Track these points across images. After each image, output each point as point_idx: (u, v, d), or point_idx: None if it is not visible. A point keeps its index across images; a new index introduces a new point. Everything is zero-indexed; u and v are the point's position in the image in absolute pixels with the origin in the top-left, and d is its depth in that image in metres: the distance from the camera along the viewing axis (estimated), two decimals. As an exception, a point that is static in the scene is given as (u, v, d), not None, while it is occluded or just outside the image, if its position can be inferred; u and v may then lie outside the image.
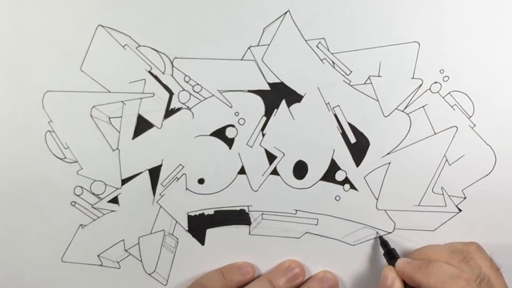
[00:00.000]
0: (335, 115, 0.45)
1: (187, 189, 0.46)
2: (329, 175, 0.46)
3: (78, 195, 0.45)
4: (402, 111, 0.44)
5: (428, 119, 0.45)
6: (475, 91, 0.44)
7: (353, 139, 0.45)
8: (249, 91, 0.44)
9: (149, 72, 0.43)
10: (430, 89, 0.44)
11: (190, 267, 0.48)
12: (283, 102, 0.44)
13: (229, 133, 0.45)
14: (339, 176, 0.46)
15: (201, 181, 0.46)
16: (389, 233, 0.47)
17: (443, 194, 0.47)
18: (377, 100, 0.44)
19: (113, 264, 0.47)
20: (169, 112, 0.44)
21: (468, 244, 0.45)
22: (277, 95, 0.44)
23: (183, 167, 0.45)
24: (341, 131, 0.45)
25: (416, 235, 0.47)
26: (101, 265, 0.47)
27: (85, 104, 0.44)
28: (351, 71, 0.44)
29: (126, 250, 0.47)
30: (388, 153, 0.46)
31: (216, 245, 0.47)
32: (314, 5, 0.42)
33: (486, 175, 0.46)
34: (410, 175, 0.46)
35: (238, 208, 0.47)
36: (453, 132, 0.45)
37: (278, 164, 0.46)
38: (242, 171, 0.46)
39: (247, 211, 0.47)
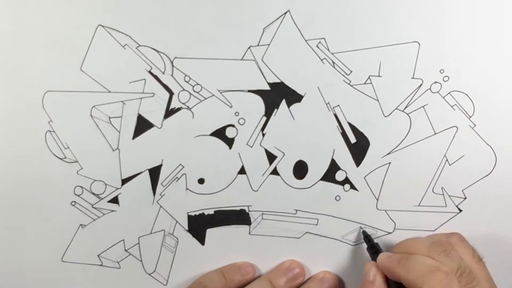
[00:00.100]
0: (335, 115, 0.45)
1: (187, 189, 0.46)
2: (329, 175, 0.46)
3: (78, 195, 0.45)
4: (402, 111, 0.44)
5: (428, 119, 0.45)
6: (475, 91, 0.44)
7: (353, 139, 0.45)
8: (249, 91, 0.44)
9: (149, 72, 0.43)
10: (430, 89, 0.44)
11: (190, 267, 0.48)
12: (283, 102, 0.44)
13: (229, 133, 0.45)
14: (339, 176, 0.46)
15: (201, 181, 0.46)
16: (389, 233, 0.47)
17: (443, 194, 0.46)
18: (377, 100, 0.44)
19: (113, 264, 0.47)
20: (169, 112, 0.44)
21: (450, 235, 0.45)
22: (277, 95, 0.44)
23: (183, 167, 0.45)
24: (341, 131, 0.45)
25: (416, 235, 0.47)
26: (101, 265, 0.47)
27: (85, 104, 0.44)
28: (351, 71, 0.44)
29: (126, 250, 0.47)
30: (388, 153, 0.46)
31: (216, 245, 0.47)
32: (314, 5, 0.42)
33: (487, 175, 0.46)
34: (410, 175, 0.46)
35: (238, 208, 0.47)
36: (453, 132, 0.45)
37: (278, 164, 0.46)
38: (242, 171, 0.46)
39: (247, 211, 0.47)
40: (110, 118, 0.44)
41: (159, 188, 0.46)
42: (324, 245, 0.48)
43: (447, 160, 0.46)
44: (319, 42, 0.43)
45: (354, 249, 0.48)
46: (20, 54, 0.43)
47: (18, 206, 0.46)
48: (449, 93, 0.44)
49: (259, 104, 0.44)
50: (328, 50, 0.43)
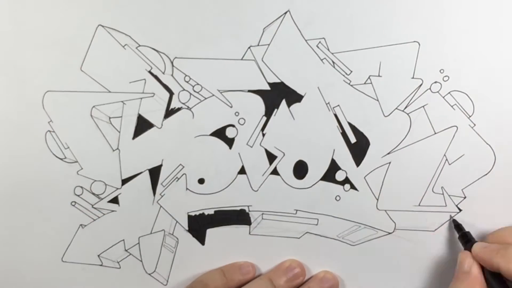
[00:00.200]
0: (335, 115, 0.45)
1: (187, 189, 0.46)
2: (329, 175, 0.46)
3: (78, 195, 0.45)
4: (402, 111, 0.45)
5: (428, 118, 0.45)
6: (475, 90, 0.44)
7: (353, 139, 0.45)
8: (249, 91, 0.44)
9: (149, 72, 0.43)
10: (430, 89, 0.44)
11: (190, 267, 0.48)
12: (283, 102, 0.44)
13: (229, 133, 0.45)
14: (339, 176, 0.46)
15: (201, 181, 0.46)
16: (390, 233, 0.47)
17: (443, 193, 0.47)
18: (377, 100, 0.44)
19: (113, 264, 0.47)
20: (169, 112, 0.44)
21: None
22: (277, 95, 0.44)
23: (183, 167, 0.45)
24: (341, 131, 0.45)
25: (416, 235, 0.47)
26: (101, 265, 0.47)
27: (85, 104, 0.44)
28: (351, 71, 0.44)
29: (126, 250, 0.47)
30: (388, 153, 0.46)
31: (216, 245, 0.47)
32: (314, 5, 0.42)
33: (486, 174, 0.46)
34: (410, 175, 0.46)
35: (238, 208, 0.47)
36: (453, 131, 0.45)
37: (278, 164, 0.46)
38: (242, 171, 0.46)
39: (247, 211, 0.47)
40: (110, 118, 0.44)
41: (159, 188, 0.46)
42: (324, 245, 0.48)
43: (447, 159, 0.46)
44: (319, 42, 0.43)
45: (354, 249, 0.48)
46: (20, 54, 0.43)
47: (18, 206, 0.46)
48: (449, 93, 0.44)
49: (259, 104, 0.44)
50: (328, 50, 0.43)
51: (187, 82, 0.44)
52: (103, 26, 0.42)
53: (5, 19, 0.42)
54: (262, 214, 0.47)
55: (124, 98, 0.44)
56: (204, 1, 0.42)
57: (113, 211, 0.46)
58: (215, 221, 0.47)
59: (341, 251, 0.48)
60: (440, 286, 0.48)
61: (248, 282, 0.46)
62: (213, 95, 0.44)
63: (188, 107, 0.44)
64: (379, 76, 0.44)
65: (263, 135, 0.45)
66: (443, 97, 0.44)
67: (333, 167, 0.46)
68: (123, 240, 0.47)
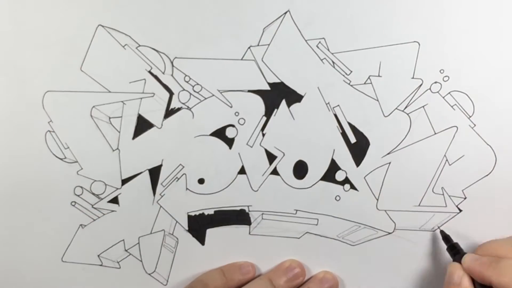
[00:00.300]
0: (335, 115, 0.45)
1: (187, 189, 0.46)
2: (329, 175, 0.46)
3: (78, 195, 0.45)
4: (402, 111, 0.44)
5: (428, 119, 0.45)
6: (475, 91, 0.44)
7: (353, 139, 0.45)
8: (249, 91, 0.44)
9: (149, 72, 0.43)
10: (430, 89, 0.44)
11: (190, 267, 0.48)
12: (283, 102, 0.44)
13: (229, 133, 0.45)
14: (339, 176, 0.46)
15: (201, 181, 0.46)
16: (389, 233, 0.47)
17: (443, 194, 0.46)
18: (377, 100, 0.44)
19: (113, 264, 0.47)
20: (169, 112, 0.44)
21: None
22: (277, 95, 0.44)
23: (183, 167, 0.45)
24: (341, 131, 0.45)
25: (416, 235, 0.47)
26: (101, 265, 0.47)
27: (85, 104, 0.44)
28: (351, 71, 0.44)
29: (126, 250, 0.47)
30: (388, 153, 0.46)
31: (216, 245, 0.47)
32: (314, 5, 0.42)
33: (486, 175, 0.46)
34: (410, 175, 0.46)
35: (238, 208, 0.47)
36: (453, 132, 0.45)
37: (278, 164, 0.46)
38: (242, 171, 0.46)
39: (247, 211, 0.47)
40: (110, 118, 0.44)
41: (159, 188, 0.46)
42: (324, 245, 0.48)
43: (447, 160, 0.46)
44: (319, 42, 0.43)
45: (354, 249, 0.48)
46: (20, 54, 0.43)
47: (18, 206, 0.46)
48: (449, 93, 0.44)
49: (259, 104, 0.44)
50: (328, 50, 0.43)
51: (187, 82, 0.44)
52: (103, 26, 0.42)
53: (5, 19, 0.42)
54: (262, 214, 0.47)
55: (124, 98, 0.44)
56: (204, 1, 0.42)
57: (113, 211, 0.46)
58: (215, 221, 0.47)
59: (341, 251, 0.48)
60: (440, 286, 0.48)
61: (248, 282, 0.46)
62: (213, 95, 0.44)
63: (188, 107, 0.44)
64: (379, 76, 0.44)
65: (263, 135, 0.45)
66: (443, 97, 0.44)
67: (333, 167, 0.46)
68: (123, 240, 0.47)
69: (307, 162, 0.46)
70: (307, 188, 0.46)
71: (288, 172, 0.46)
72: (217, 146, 0.45)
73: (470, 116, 0.45)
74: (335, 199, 0.46)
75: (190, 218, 0.47)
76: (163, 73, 0.43)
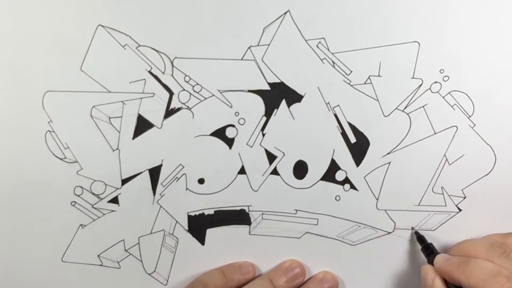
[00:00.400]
0: (335, 115, 0.45)
1: (187, 189, 0.46)
2: (329, 175, 0.46)
3: (78, 195, 0.45)
4: (402, 111, 0.45)
5: (428, 118, 0.45)
6: (475, 90, 0.44)
7: (353, 139, 0.45)
8: (249, 91, 0.44)
9: (149, 72, 0.43)
10: (430, 89, 0.44)
11: (190, 267, 0.48)
12: (283, 102, 0.44)
13: (229, 133, 0.45)
14: (339, 176, 0.46)
15: (201, 181, 0.46)
16: (389, 233, 0.47)
17: (443, 193, 0.47)
18: (377, 100, 0.44)
19: (113, 264, 0.47)
20: (169, 112, 0.44)
21: (506, 236, 0.44)
22: (277, 95, 0.44)
23: (183, 167, 0.45)
24: (341, 131, 0.45)
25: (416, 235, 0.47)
26: (101, 265, 0.47)
27: (85, 104, 0.44)
28: (351, 71, 0.44)
29: (126, 250, 0.47)
30: (388, 153, 0.46)
31: (216, 245, 0.47)
32: (314, 5, 0.42)
33: (486, 175, 0.46)
34: (410, 175, 0.46)
35: (238, 208, 0.47)
36: (453, 131, 0.45)
37: (278, 164, 0.46)
38: (242, 171, 0.46)
39: (247, 211, 0.47)
40: (110, 118, 0.44)
41: (159, 188, 0.46)
42: (324, 245, 0.48)
43: (447, 159, 0.46)
44: (319, 42, 0.43)
45: (354, 249, 0.48)
46: (20, 54, 0.42)
47: (18, 206, 0.46)
48: (449, 93, 0.44)
49: (259, 104, 0.44)
50: (328, 50, 0.43)
51: (187, 82, 0.44)
52: (103, 26, 0.42)
53: (6, 19, 0.42)
54: (262, 214, 0.47)
55: (124, 98, 0.44)
56: (204, 1, 0.42)
57: (113, 211, 0.46)
58: (215, 221, 0.47)
59: (341, 251, 0.48)
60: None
61: (248, 282, 0.46)
62: (213, 95, 0.44)
63: (188, 107, 0.44)
64: (379, 76, 0.44)
65: (263, 135, 0.45)
66: (443, 97, 0.44)
67: (333, 167, 0.46)
68: (123, 240, 0.47)
69: (307, 162, 0.46)
70: (307, 188, 0.46)
71: (288, 172, 0.46)
72: (217, 146, 0.45)
73: (470, 116, 0.45)
74: (335, 199, 0.46)
75: (190, 218, 0.47)
76: (163, 73, 0.43)
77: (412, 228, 0.47)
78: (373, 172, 0.46)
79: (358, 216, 0.47)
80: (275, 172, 0.46)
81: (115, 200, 0.46)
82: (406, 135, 0.45)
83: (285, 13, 0.42)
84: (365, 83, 0.44)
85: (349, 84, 0.44)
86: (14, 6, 0.42)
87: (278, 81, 0.44)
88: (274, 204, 0.47)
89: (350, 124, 0.45)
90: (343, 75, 0.44)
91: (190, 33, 0.43)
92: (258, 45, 0.43)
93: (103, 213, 0.46)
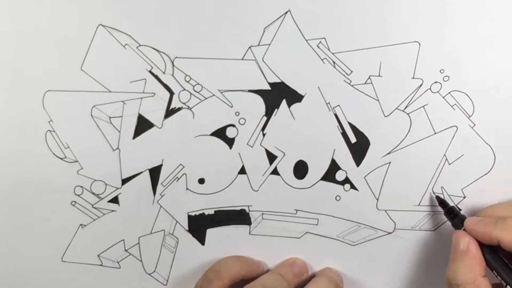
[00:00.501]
0: (336, 115, 0.45)
1: (187, 189, 0.46)
2: (330, 175, 0.46)
3: (78, 195, 0.45)
4: (403, 111, 0.45)
5: (428, 118, 0.45)
6: (475, 91, 0.44)
7: (353, 139, 0.45)
8: (249, 90, 0.44)
9: (150, 71, 0.43)
10: (430, 89, 0.44)
11: (190, 267, 0.48)
12: (284, 102, 0.44)
13: (230, 133, 0.45)
14: (340, 176, 0.46)
15: (201, 181, 0.46)
16: (389, 233, 0.47)
17: (443, 193, 0.47)
18: (378, 100, 0.44)
19: (113, 264, 0.47)
20: (170, 111, 0.44)
21: None
22: (278, 95, 0.44)
23: (184, 167, 0.45)
24: (341, 131, 0.45)
25: (416, 235, 0.47)
26: (101, 265, 0.47)
27: (86, 103, 0.44)
28: (352, 71, 0.44)
29: (126, 250, 0.47)
30: (388, 153, 0.46)
31: (216, 245, 0.47)
32: (315, 4, 0.42)
33: (486, 174, 0.46)
34: (410, 175, 0.46)
35: (238, 208, 0.47)
36: (453, 131, 0.45)
37: (278, 164, 0.46)
38: (242, 171, 0.46)
39: (247, 211, 0.47)
40: (110, 118, 0.44)
41: (159, 188, 0.46)
42: (324, 245, 0.48)
43: (446, 159, 0.46)
44: (320, 42, 0.43)
45: (354, 249, 0.48)
46: (20, 53, 0.43)
47: (18, 206, 0.46)
48: (449, 93, 0.44)
49: (259, 104, 0.44)
50: (329, 50, 0.43)
51: (188, 82, 0.44)
52: (103, 26, 0.42)
53: (6, 19, 0.42)
54: (262, 214, 0.47)
55: (125, 97, 0.44)
56: (204, 1, 0.42)
57: (113, 211, 0.46)
58: (215, 221, 0.47)
59: (341, 251, 0.48)
60: (440, 286, 0.48)
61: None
62: (214, 95, 0.44)
63: (188, 107, 0.44)
64: (379, 76, 0.44)
65: (264, 135, 0.45)
66: (443, 97, 0.44)
67: (333, 167, 0.46)
68: (123, 240, 0.47)
69: (307, 162, 0.46)
70: (308, 188, 0.46)
71: (289, 172, 0.46)
72: (218, 146, 0.45)
73: (470, 116, 0.45)
74: (335, 199, 0.46)
75: (190, 218, 0.47)
76: (164, 73, 0.43)
77: (432, 192, 0.46)
78: (373, 172, 0.46)
79: (358, 216, 0.47)
80: (275, 172, 0.46)
81: (115, 200, 0.46)
82: (406, 135, 0.45)
83: (286, 13, 0.42)
84: (365, 83, 0.44)
85: (349, 84, 0.44)
86: (14, 6, 0.42)
87: (279, 81, 0.44)
88: (274, 204, 0.47)
89: (350, 124, 0.45)
90: (344, 75, 0.44)
91: (191, 33, 0.43)
92: (258, 45, 0.43)
93: (103, 213, 0.46)
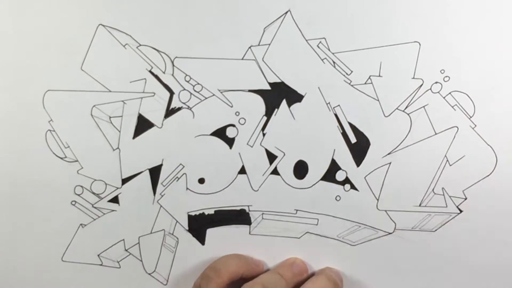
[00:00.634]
0: (336, 115, 0.45)
1: (187, 188, 0.46)
2: (330, 175, 0.46)
3: (79, 195, 0.45)
4: (403, 111, 0.44)
5: (429, 119, 0.45)
6: (476, 91, 0.44)
7: (353, 139, 0.45)
8: (249, 90, 0.44)
9: (150, 71, 0.43)
10: (430, 89, 0.44)
11: (190, 267, 0.48)
12: (284, 102, 0.44)
13: (230, 132, 0.45)
14: (340, 176, 0.46)
15: (201, 180, 0.46)
16: (390, 233, 0.47)
17: (443, 194, 0.46)
18: (378, 100, 0.44)
19: (113, 263, 0.47)
20: (170, 111, 0.44)
21: None
22: (278, 95, 0.44)
23: (184, 166, 0.45)
24: (341, 131, 0.45)
25: (416, 235, 0.47)
26: (101, 265, 0.47)
27: (86, 103, 0.44)
28: (352, 71, 0.44)
29: (126, 250, 0.47)
30: (388, 153, 0.45)
31: (216, 245, 0.47)
32: (315, 4, 0.42)
33: (487, 176, 0.46)
34: (411, 175, 0.46)
35: (238, 208, 0.47)
36: (453, 132, 0.45)
37: (278, 163, 0.46)
38: (242, 170, 0.46)
39: (247, 211, 0.47)
40: (110, 117, 0.44)
41: (159, 187, 0.46)
42: (324, 245, 0.48)
43: (447, 160, 0.46)
44: (320, 42, 0.43)
45: (354, 249, 0.48)
46: (20, 53, 0.43)
47: (18, 206, 0.46)
48: (449, 93, 0.44)
49: (259, 104, 0.44)
50: (329, 50, 0.43)
51: (188, 81, 0.44)
52: (103, 26, 0.42)
53: (6, 19, 0.42)
54: (262, 214, 0.47)
55: (125, 97, 0.44)
56: (204, 1, 0.42)
57: (113, 210, 0.46)
58: (215, 221, 0.47)
59: (341, 251, 0.48)
60: (440, 286, 0.48)
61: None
62: (214, 94, 0.44)
63: (188, 106, 0.44)
64: (379, 76, 0.44)
65: (264, 135, 0.45)
66: (444, 98, 0.44)
67: (334, 167, 0.46)
68: (123, 239, 0.47)
69: (307, 162, 0.46)
70: (308, 188, 0.46)
71: (289, 172, 0.46)
72: (218, 146, 0.45)
73: (471, 117, 0.45)
74: (336, 199, 0.46)
75: (190, 218, 0.47)
76: (164, 72, 0.43)
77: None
78: (373, 172, 0.46)
79: (358, 216, 0.47)
80: (275, 172, 0.46)
81: (115, 200, 0.46)
82: (406, 136, 0.45)
83: (286, 13, 0.42)
84: (365, 83, 0.44)
85: (349, 84, 0.44)
86: (14, 6, 0.42)
87: (279, 81, 0.44)
88: (274, 204, 0.47)
89: (350, 124, 0.45)
90: (344, 75, 0.44)
91: (191, 33, 0.43)
92: (258, 44, 0.43)
93: (103, 212, 0.46)
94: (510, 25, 0.43)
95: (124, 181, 0.45)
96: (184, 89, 0.44)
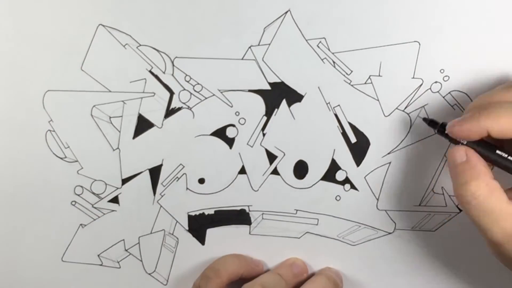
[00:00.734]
0: (336, 115, 0.45)
1: (187, 188, 0.46)
2: (330, 175, 0.46)
3: (79, 195, 0.45)
4: (403, 110, 0.44)
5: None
6: (475, 90, 0.44)
7: (353, 139, 0.45)
8: (249, 90, 0.44)
9: (150, 71, 0.43)
10: (430, 88, 0.44)
11: (190, 267, 0.48)
12: (284, 102, 0.44)
13: (230, 132, 0.45)
14: (340, 176, 0.46)
15: (201, 180, 0.46)
16: (390, 233, 0.47)
17: (443, 194, 0.46)
18: (378, 100, 0.44)
19: (113, 264, 0.47)
20: (170, 111, 0.44)
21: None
22: (278, 95, 0.44)
23: (184, 166, 0.45)
24: (341, 131, 0.45)
25: (416, 235, 0.47)
26: (101, 265, 0.47)
27: (86, 103, 0.44)
28: (352, 71, 0.44)
29: (126, 250, 0.47)
30: (388, 153, 0.46)
31: (216, 245, 0.47)
32: (315, 4, 0.42)
33: (486, 175, 0.46)
34: (411, 175, 0.46)
35: (238, 208, 0.47)
36: (453, 132, 0.45)
37: (278, 164, 0.46)
38: (242, 170, 0.46)
39: (247, 211, 0.47)
40: (110, 117, 0.44)
41: (159, 188, 0.46)
42: (324, 245, 0.48)
43: (447, 159, 0.46)
44: (320, 41, 0.43)
45: (354, 249, 0.48)
46: (20, 53, 0.43)
47: (18, 206, 0.46)
48: (449, 93, 0.44)
49: (259, 104, 0.44)
50: (329, 49, 0.43)
51: (188, 81, 0.44)
52: (103, 26, 0.42)
53: (6, 19, 0.42)
54: (262, 214, 0.47)
55: (125, 97, 0.44)
56: (204, 1, 0.42)
57: (113, 210, 0.46)
58: (215, 221, 0.47)
59: (341, 251, 0.48)
60: (440, 286, 0.48)
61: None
62: (214, 94, 0.44)
63: (188, 106, 0.44)
64: (379, 76, 0.44)
65: (264, 135, 0.45)
66: (444, 97, 0.44)
67: (333, 167, 0.46)
68: (123, 240, 0.47)
69: (307, 162, 0.46)
70: (308, 188, 0.46)
71: (289, 172, 0.46)
72: (218, 146, 0.45)
73: (470, 116, 0.45)
74: (336, 199, 0.46)
75: (190, 218, 0.47)
76: (164, 72, 0.43)
77: (419, 117, 0.43)
78: (373, 172, 0.46)
79: (358, 216, 0.47)
80: (275, 172, 0.46)
81: (115, 200, 0.46)
82: (406, 135, 0.45)
83: (286, 12, 0.42)
84: (365, 83, 0.44)
85: (349, 84, 0.44)
86: (14, 6, 0.42)
87: (279, 80, 0.44)
88: (274, 204, 0.47)
89: (350, 124, 0.45)
90: (344, 75, 0.44)
91: (191, 33, 0.43)
92: (258, 44, 0.43)
93: (103, 212, 0.46)
94: (510, 25, 0.43)
95: (124, 181, 0.45)
96: (184, 89, 0.44)
